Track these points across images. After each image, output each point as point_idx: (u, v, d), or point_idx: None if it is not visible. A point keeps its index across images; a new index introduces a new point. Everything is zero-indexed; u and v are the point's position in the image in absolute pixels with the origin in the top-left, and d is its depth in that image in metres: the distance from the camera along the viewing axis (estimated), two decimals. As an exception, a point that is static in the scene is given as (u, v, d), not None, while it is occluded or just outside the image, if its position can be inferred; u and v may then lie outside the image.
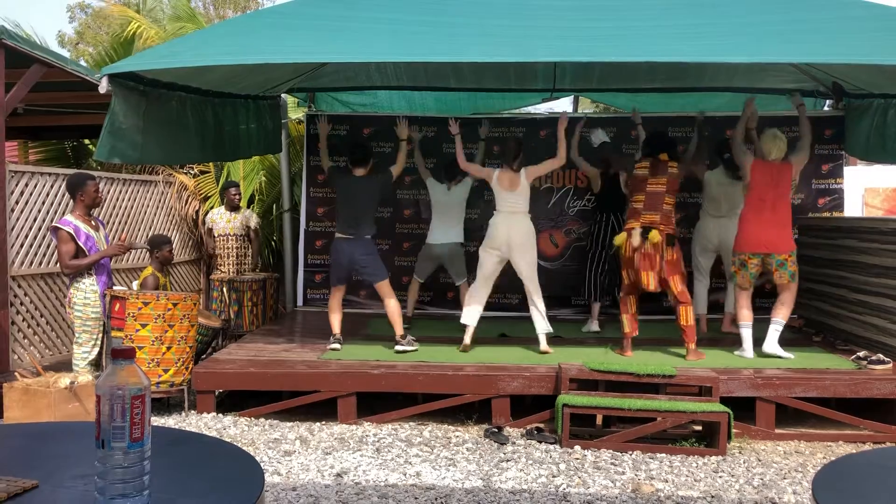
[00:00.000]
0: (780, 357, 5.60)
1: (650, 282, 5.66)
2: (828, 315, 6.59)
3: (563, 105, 10.75)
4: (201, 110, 6.25)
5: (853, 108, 7.70)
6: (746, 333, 5.70)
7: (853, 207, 10.80)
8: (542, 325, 5.85)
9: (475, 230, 7.75)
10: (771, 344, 5.65)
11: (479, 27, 5.20)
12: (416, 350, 5.88)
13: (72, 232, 5.31)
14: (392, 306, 5.98)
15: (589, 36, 5.01)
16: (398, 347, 5.88)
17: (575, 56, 5.16)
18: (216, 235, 7.99)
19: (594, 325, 6.92)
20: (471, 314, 5.95)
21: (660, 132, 6.41)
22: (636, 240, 5.58)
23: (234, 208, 7.98)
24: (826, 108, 8.36)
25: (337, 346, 5.98)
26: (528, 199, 5.92)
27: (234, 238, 7.94)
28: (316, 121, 8.30)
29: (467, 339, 5.92)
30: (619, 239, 5.66)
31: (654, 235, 5.56)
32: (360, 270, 6.16)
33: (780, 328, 5.68)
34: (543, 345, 5.82)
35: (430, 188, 6.92)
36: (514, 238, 5.80)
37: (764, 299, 6.61)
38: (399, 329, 5.96)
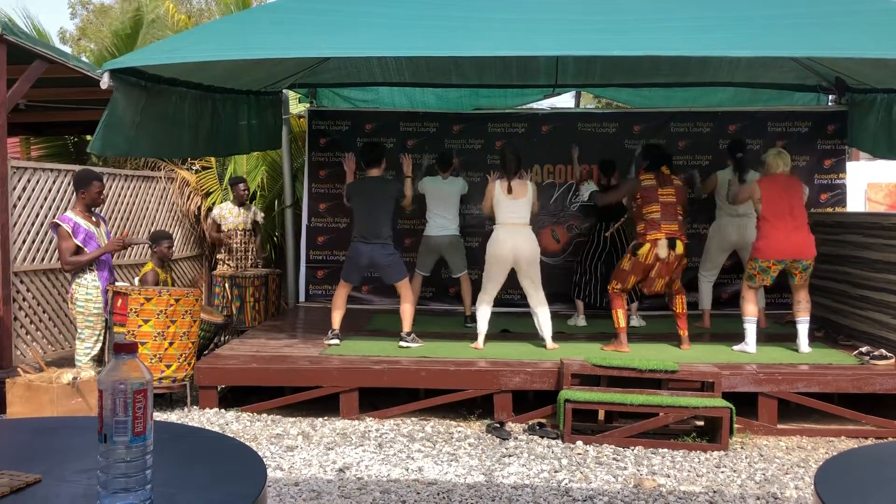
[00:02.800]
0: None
1: (661, 286, 5.77)
2: (830, 310, 6.59)
3: (566, 101, 10.75)
4: (199, 106, 6.24)
5: (857, 102, 7.69)
6: (751, 329, 5.70)
7: (856, 203, 10.78)
8: (546, 335, 5.87)
9: (474, 227, 7.75)
10: (807, 343, 5.69)
11: (481, 21, 5.19)
12: (421, 346, 5.88)
13: (69, 229, 5.31)
14: (407, 304, 6.01)
15: (591, 29, 5.01)
16: (402, 343, 5.88)
17: (577, 49, 5.15)
18: (225, 230, 7.96)
19: (581, 320, 7.03)
20: (486, 321, 5.93)
21: (656, 145, 6.47)
22: (663, 251, 5.59)
23: (241, 203, 7.97)
24: (829, 104, 8.35)
25: (335, 341, 5.97)
26: (530, 211, 5.90)
27: (241, 233, 7.93)
28: (318, 117, 8.34)
29: (481, 343, 5.89)
30: (644, 249, 5.63)
31: (680, 247, 5.62)
32: (380, 271, 6.19)
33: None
34: (550, 344, 5.84)
35: (423, 187, 6.86)
36: (520, 255, 5.77)
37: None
38: (407, 326, 5.96)
